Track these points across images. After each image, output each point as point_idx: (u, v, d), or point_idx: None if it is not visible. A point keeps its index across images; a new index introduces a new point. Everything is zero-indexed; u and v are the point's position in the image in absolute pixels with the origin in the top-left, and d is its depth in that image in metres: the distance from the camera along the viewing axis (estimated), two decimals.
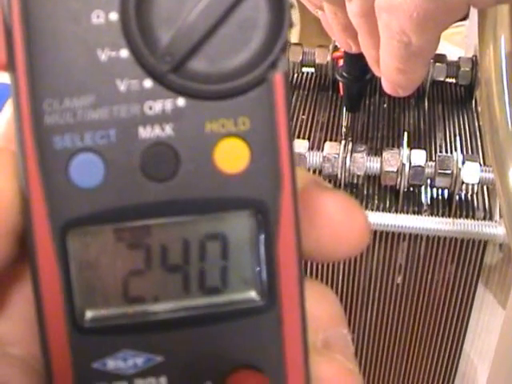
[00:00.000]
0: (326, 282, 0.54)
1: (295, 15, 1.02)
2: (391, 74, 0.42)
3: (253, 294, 0.21)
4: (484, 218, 0.49)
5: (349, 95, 0.55)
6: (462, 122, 0.56)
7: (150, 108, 0.20)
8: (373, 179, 0.51)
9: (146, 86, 0.19)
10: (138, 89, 0.19)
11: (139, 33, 0.19)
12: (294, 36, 1.20)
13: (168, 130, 0.20)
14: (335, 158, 0.48)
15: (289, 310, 0.21)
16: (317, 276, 0.54)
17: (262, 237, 0.21)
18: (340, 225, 0.22)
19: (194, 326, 0.21)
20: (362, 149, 0.49)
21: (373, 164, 0.49)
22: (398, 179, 0.48)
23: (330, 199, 0.22)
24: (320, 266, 0.53)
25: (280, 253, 0.21)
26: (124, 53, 0.19)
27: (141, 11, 0.19)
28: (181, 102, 0.20)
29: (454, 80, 0.60)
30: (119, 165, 0.20)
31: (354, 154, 0.49)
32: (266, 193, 0.20)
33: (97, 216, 0.20)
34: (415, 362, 0.58)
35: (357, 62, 0.49)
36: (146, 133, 0.20)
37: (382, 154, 0.49)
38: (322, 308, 0.23)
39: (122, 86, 0.19)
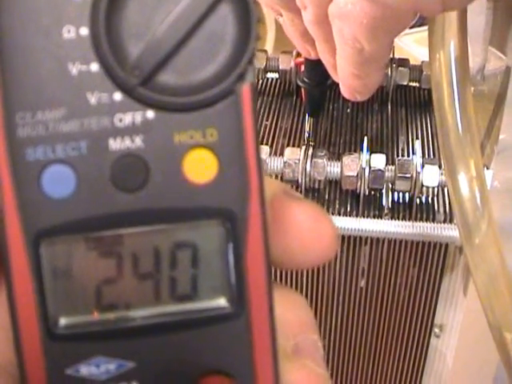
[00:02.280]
0: (290, 287, 0.54)
1: (270, 23, 1.02)
2: (347, 79, 0.43)
3: (222, 301, 0.22)
4: (444, 221, 0.49)
5: (310, 100, 0.55)
6: (424, 126, 0.57)
7: (120, 120, 0.20)
8: (334, 184, 0.51)
9: (116, 99, 0.20)
10: (108, 101, 0.20)
11: (109, 47, 0.19)
12: (269, 42, 1.19)
13: (138, 141, 0.20)
14: (296, 163, 0.49)
15: (258, 316, 0.22)
16: (281, 281, 0.54)
17: (231, 245, 0.21)
18: (308, 233, 0.22)
19: (165, 332, 0.22)
20: (323, 154, 0.50)
21: (333, 169, 0.49)
22: (359, 183, 0.49)
23: (299, 208, 0.23)
24: (284, 272, 0.53)
25: (248, 261, 0.21)
26: (94, 66, 0.20)
27: (110, 26, 0.19)
28: (150, 114, 0.20)
29: (417, 84, 0.60)
30: (90, 176, 0.20)
31: (315, 159, 0.49)
32: (234, 202, 0.21)
33: (69, 226, 0.20)
34: (382, 363, 0.58)
35: (317, 67, 0.49)
36: (116, 144, 0.20)
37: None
38: (292, 314, 0.23)
39: (92, 99, 0.20)
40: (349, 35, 0.38)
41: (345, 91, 0.45)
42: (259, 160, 0.21)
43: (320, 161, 0.49)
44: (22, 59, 0.20)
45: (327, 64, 0.46)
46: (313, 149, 0.50)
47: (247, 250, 0.21)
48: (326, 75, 0.49)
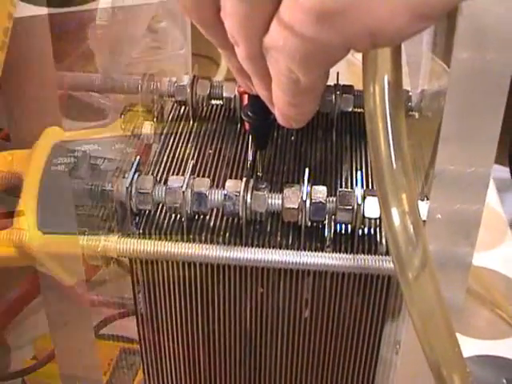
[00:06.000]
0: (234, 320, 0.53)
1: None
2: (283, 107, 0.43)
3: None
4: (386, 253, 0.49)
5: (255, 134, 0.54)
6: (368, 154, 0.57)
7: None
8: (276, 216, 0.50)
9: None
10: None
11: None
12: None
13: None
14: (236, 196, 0.48)
15: None
16: (224, 314, 0.53)
17: None
18: None
19: None
20: (264, 186, 0.49)
21: (274, 201, 0.49)
22: (300, 216, 0.48)
23: None
24: (227, 304, 0.53)
25: None
26: None
27: None
28: None
29: (362, 110, 0.60)
30: None
31: (255, 192, 0.49)
32: None
33: None
34: None
35: (260, 102, 0.49)
36: None
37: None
38: None
39: None
40: (284, 67, 0.38)
41: (280, 119, 0.45)
42: None
43: (261, 193, 0.49)
44: None
45: (264, 98, 0.45)
46: (255, 179, 0.50)
47: None
48: (269, 110, 0.48)
